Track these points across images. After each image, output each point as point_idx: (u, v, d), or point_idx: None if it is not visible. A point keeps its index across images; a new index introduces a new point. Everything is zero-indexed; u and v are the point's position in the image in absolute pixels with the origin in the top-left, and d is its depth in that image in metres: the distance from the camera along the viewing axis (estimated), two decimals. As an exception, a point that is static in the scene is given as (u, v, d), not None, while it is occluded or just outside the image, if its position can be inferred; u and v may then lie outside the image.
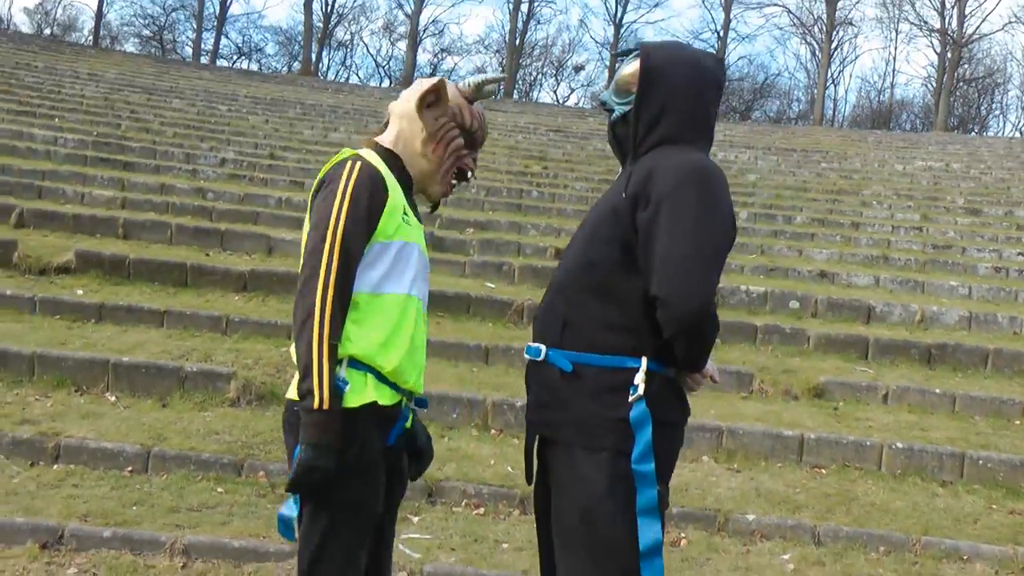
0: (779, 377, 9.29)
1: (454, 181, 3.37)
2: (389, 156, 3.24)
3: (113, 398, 7.48)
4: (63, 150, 16.87)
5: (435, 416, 7.61)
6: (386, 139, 3.29)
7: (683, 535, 6.17)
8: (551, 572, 3.12)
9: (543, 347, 3.03)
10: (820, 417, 8.45)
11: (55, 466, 6.27)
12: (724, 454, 7.54)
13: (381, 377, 3.05)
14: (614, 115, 3.18)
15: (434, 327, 9.83)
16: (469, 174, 3.38)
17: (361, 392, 3.00)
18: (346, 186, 3.01)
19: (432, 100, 3.25)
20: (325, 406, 2.82)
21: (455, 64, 62.69)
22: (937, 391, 9.11)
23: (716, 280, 2.89)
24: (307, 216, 3.12)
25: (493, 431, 7.61)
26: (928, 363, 10.29)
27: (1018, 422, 8.71)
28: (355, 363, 3.02)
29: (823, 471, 7.47)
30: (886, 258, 15.60)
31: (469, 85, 3.34)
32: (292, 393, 3.00)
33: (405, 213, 3.14)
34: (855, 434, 7.89)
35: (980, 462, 7.50)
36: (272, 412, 7.33)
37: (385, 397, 3.06)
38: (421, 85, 3.28)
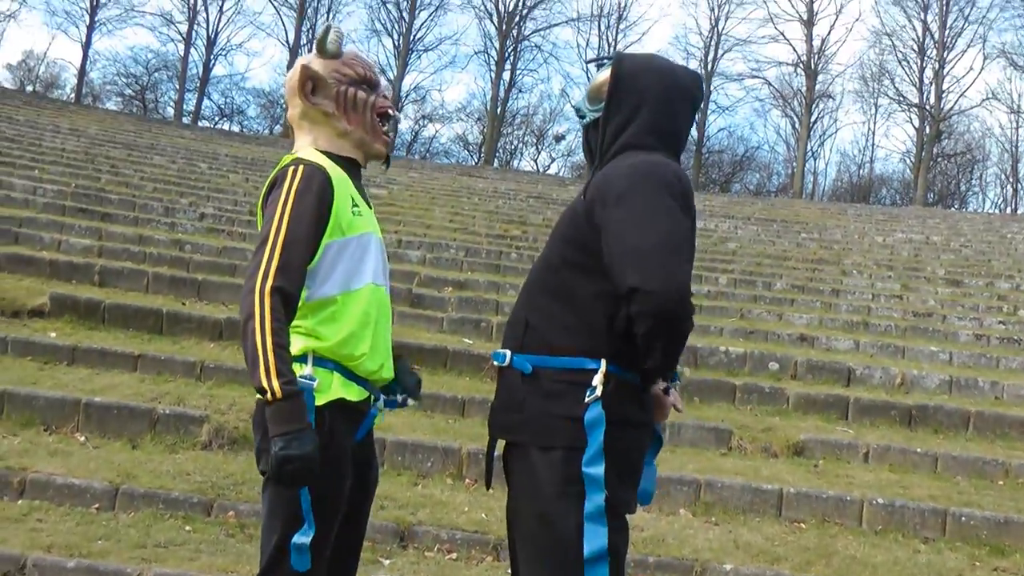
0: (758, 435, 9.25)
1: (384, 128, 3.39)
2: (324, 153, 3.25)
3: (83, 438, 7.37)
4: (42, 199, 16.81)
5: (410, 464, 7.54)
6: (307, 145, 3.31)
7: (660, 584, 6.09)
8: None
9: (508, 352, 3.02)
10: (800, 473, 8.40)
11: (20, 501, 6.16)
12: (702, 507, 7.47)
13: (348, 373, 3.08)
14: (585, 121, 3.20)
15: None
16: (391, 112, 3.41)
17: (327, 390, 3.03)
18: (290, 188, 3.04)
19: (311, 86, 3.29)
20: (279, 396, 2.77)
21: (436, 131, 62.93)
22: (918, 451, 9.07)
23: (689, 270, 2.87)
24: (258, 226, 3.13)
25: (468, 480, 7.53)
26: (909, 424, 10.26)
27: (1001, 482, 8.66)
28: (321, 360, 3.05)
29: (803, 525, 7.39)
30: (866, 324, 15.62)
31: (323, 48, 3.33)
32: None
33: (355, 204, 3.18)
34: (835, 490, 7.83)
35: (963, 519, 7.44)
36: (245, 456, 7.24)
37: (352, 393, 3.09)
38: (291, 82, 3.33)
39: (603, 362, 2.86)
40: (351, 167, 3.30)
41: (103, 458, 6.94)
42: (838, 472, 8.56)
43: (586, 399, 2.83)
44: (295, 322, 3.04)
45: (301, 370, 2.99)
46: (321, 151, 3.25)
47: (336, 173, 3.14)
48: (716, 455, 8.77)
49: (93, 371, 8.84)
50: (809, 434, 9.29)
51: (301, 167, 3.08)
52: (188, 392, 8.43)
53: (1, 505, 6.06)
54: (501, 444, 3.09)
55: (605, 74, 3.14)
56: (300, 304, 3.03)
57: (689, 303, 2.78)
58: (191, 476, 6.73)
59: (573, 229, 3.00)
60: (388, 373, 3.26)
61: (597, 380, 2.84)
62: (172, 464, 6.97)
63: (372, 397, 3.21)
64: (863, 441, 9.23)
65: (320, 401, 3.00)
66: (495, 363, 3.08)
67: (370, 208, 3.33)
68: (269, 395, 2.78)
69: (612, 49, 55.81)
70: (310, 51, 3.44)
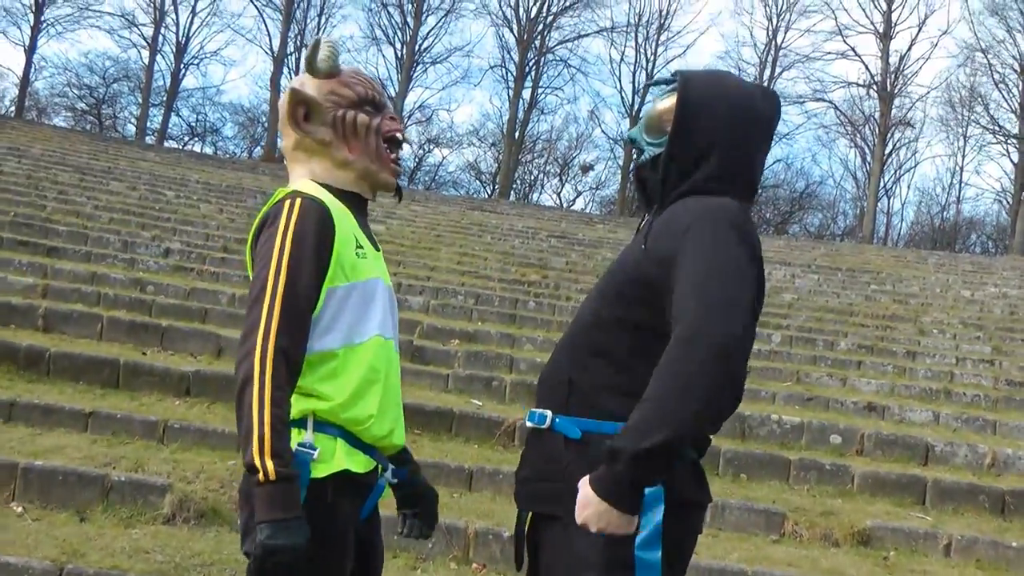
0: (816, 519, 9.25)
1: (393, 155, 3.41)
2: (324, 186, 3.25)
3: (20, 509, 7.42)
4: (-25, 230, 17.00)
5: (407, 545, 7.57)
6: (302, 176, 3.32)
7: None
8: None
9: (548, 413, 3.04)
10: (866, 567, 8.40)
11: (-54, 583, 6.22)
12: (751, 604, 7.48)
13: (353, 440, 3.08)
14: (643, 157, 3.19)
15: (411, 446, 9.78)
16: (400, 136, 3.42)
17: (330, 460, 3.02)
18: (287, 224, 3.03)
19: (303, 112, 3.30)
20: (272, 477, 2.79)
21: (444, 157, 63.24)
22: (1014, 545, 9.02)
23: (754, 322, 2.85)
24: (248, 270, 3.15)
25: (475, 565, 7.56)
26: (1001, 513, 10.22)
27: (1106, 582, 8.65)
28: (323, 425, 3.04)
29: (870, 629, 7.41)
30: (948, 393, 15.62)
31: (314, 66, 3.31)
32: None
33: (359, 245, 3.20)
34: (909, 587, 7.84)
35: (1059, 624, 7.44)
36: (215, 532, 7.28)
37: (358, 464, 3.09)
38: (282, 109, 3.33)
39: None
40: (355, 202, 3.31)
41: (45, 532, 6.97)
42: (913, 567, 8.55)
43: None
44: (305, 377, 3.04)
45: (300, 436, 3.00)
46: (320, 184, 3.25)
47: (337, 208, 3.15)
48: (766, 542, 8.78)
49: (34, 431, 8.90)
50: (878, 520, 9.28)
51: (298, 201, 3.08)
52: (148, 456, 8.48)
53: (-75, 586, 6.12)
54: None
55: (669, 101, 3.13)
56: (308, 361, 3.04)
57: (746, 353, 2.75)
58: (150, 555, 6.77)
59: (630, 285, 3.00)
60: (399, 439, 3.27)
61: None
62: (128, 540, 7.00)
63: (380, 467, 3.22)
64: (944, 531, 9.21)
65: (322, 473, 2.99)
66: (530, 424, 3.10)
67: (377, 250, 3.35)
68: (261, 475, 2.78)
69: (651, 65, 56.05)
70: (301, 69, 3.44)
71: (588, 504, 2.73)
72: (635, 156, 3.24)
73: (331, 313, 3.08)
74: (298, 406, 3.02)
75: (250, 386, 2.85)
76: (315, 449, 2.98)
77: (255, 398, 2.83)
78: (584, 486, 2.76)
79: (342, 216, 3.16)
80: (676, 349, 2.69)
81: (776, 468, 10.61)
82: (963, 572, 8.57)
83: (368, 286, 3.18)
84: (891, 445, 11.89)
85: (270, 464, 2.78)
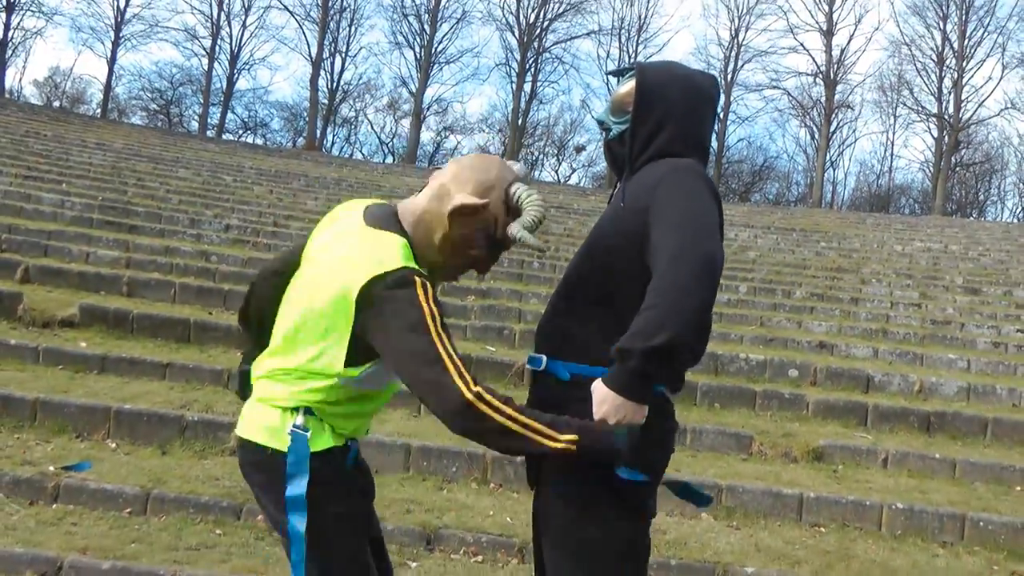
0: (778, 440, 9.27)
1: (457, 277, 3.19)
2: (406, 234, 2.98)
3: (113, 444, 7.47)
4: (70, 212, 16.99)
5: (435, 469, 7.61)
6: (409, 212, 3.04)
7: (682, 586, 6.13)
8: None
9: (543, 358, 3.04)
10: (819, 478, 8.43)
11: (54, 505, 6.26)
12: (723, 511, 7.50)
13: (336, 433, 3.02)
14: (611, 134, 3.20)
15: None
16: (477, 274, 3.17)
17: (319, 437, 2.93)
18: (424, 301, 2.74)
19: (470, 211, 2.96)
20: (577, 439, 2.69)
21: (458, 142, 63.03)
22: (937, 456, 9.08)
23: (719, 248, 2.80)
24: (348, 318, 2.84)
25: (492, 484, 7.59)
26: (927, 431, 10.27)
27: (1019, 488, 8.67)
28: (318, 419, 2.95)
29: (822, 529, 7.43)
30: (885, 332, 15.64)
31: (521, 237, 2.97)
32: (253, 435, 2.97)
33: None
34: (855, 495, 7.85)
35: (981, 524, 7.45)
36: (272, 461, 7.30)
37: (339, 441, 3.00)
38: (465, 189, 2.98)
39: None
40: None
41: (134, 464, 7.03)
42: (857, 477, 8.59)
43: None
44: (308, 381, 2.92)
45: (293, 418, 2.90)
46: (404, 230, 2.98)
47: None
48: (737, 460, 8.81)
49: (123, 379, 8.95)
50: (829, 440, 9.32)
51: (418, 280, 2.77)
52: (216, 399, 8.52)
53: (36, 509, 6.16)
54: None
55: (628, 86, 3.16)
56: (328, 373, 2.90)
57: (720, 271, 2.75)
58: (220, 481, 6.81)
59: (615, 239, 3.00)
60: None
61: None
62: (201, 470, 7.05)
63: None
64: (882, 447, 9.25)
65: (319, 447, 2.91)
66: (530, 367, 3.10)
67: None
68: (572, 447, 2.69)
69: (632, 61, 55.83)
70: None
71: (604, 400, 2.71)
72: (603, 134, 3.24)
73: (381, 371, 2.92)
74: (299, 398, 2.92)
75: (495, 434, 2.68)
76: (308, 430, 2.89)
77: (510, 433, 2.68)
78: (599, 385, 2.73)
79: None
80: (668, 266, 2.68)
81: (744, 398, 10.62)
82: (897, 480, 8.61)
83: None
84: (839, 377, 11.90)
85: (563, 440, 2.70)
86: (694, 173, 2.94)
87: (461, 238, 2.99)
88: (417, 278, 2.75)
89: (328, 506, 2.91)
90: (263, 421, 2.94)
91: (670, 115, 3.06)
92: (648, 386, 2.71)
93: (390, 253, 2.83)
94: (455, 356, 2.69)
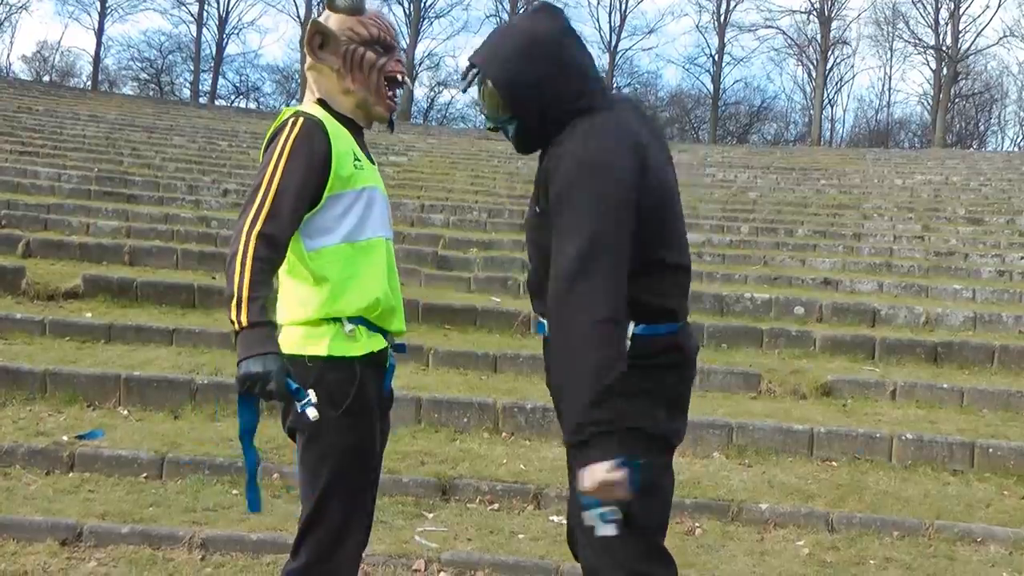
0: (787, 377, 9.33)
1: (390, 92, 3.37)
2: (327, 107, 3.29)
3: (125, 412, 7.51)
4: (67, 185, 17.02)
5: (446, 421, 7.65)
6: (311, 98, 3.34)
7: (697, 524, 6.18)
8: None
9: (545, 322, 3.01)
10: (829, 413, 8.49)
11: (70, 474, 6.30)
12: (735, 450, 7.55)
13: (371, 325, 3.18)
14: (513, 131, 3.09)
15: (442, 339, 9.90)
16: (400, 77, 3.37)
17: (359, 341, 3.14)
18: (286, 140, 3.07)
19: (319, 41, 3.27)
20: (245, 324, 2.86)
21: (452, 97, 62.73)
22: (945, 386, 9.13)
23: (623, 274, 2.78)
24: None
25: (504, 433, 7.64)
26: (935, 361, 10.32)
27: (1027, 413, 8.73)
28: (352, 319, 3.14)
29: (834, 463, 7.48)
30: (889, 265, 15.68)
31: (335, 5, 3.30)
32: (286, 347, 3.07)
33: (356, 159, 3.22)
34: (864, 427, 7.90)
35: (990, 451, 7.50)
36: (284, 420, 7.35)
37: (377, 343, 3.20)
38: (305, 37, 3.31)
39: (631, 325, 2.88)
40: (352, 125, 3.31)
41: (147, 430, 7.08)
42: (866, 410, 8.64)
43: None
44: (311, 283, 3.15)
45: (339, 326, 3.13)
46: (322, 105, 3.29)
47: (333, 127, 3.17)
48: (746, 399, 8.87)
49: (130, 347, 8.99)
50: (837, 375, 9.36)
51: (300, 120, 3.11)
52: (225, 362, 8.54)
53: (54, 478, 6.21)
54: None
55: (487, 89, 3.02)
56: (310, 256, 3.14)
57: (605, 331, 2.72)
58: (234, 442, 6.82)
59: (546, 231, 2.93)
60: (401, 325, 3.34)
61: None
62: (214, 432, 7.10)
63: (387, 346, 3.30)
64: (890, 379, 9.30)
65: (355, 352, 3.12)
66: (540, 335, 3.09)
67: (373, 164, 3.36)
68: (237, 325, 2.87)
69: (624, 5, 55.52)
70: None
71: (586, 478, 2.71)
72: (506, 135, 3.14)
73: (332, 216, 3.14)
74: (324, 307, 3.13)
75: (235, 259, 2.91)
76: (353, 334, 3.13)
77: (238, 268, 2.89)
78: (580, 473, 2.73)
79: (339, 134, 3.18)
80: (556, 324, 2.80)
81: (751, 337, 10.67)
82: (906, 411, 8.66)
83: (365, 193, 3.22)
84: (844, 312, 11.96)
85: (244, 316, 2.85)
86: (590, 167, 2.82)
87: (343, 59, 3.26)
88: (292, 119, 3.12)
89: (336, 435, 3.11)
90: None
91: (543, 89, 2.95)
92: (605, 440, 2.69)
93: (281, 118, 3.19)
94: (275, 192, 2.99)
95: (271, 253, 2.96)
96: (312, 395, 2.95)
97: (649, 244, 2.88)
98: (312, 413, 2.94)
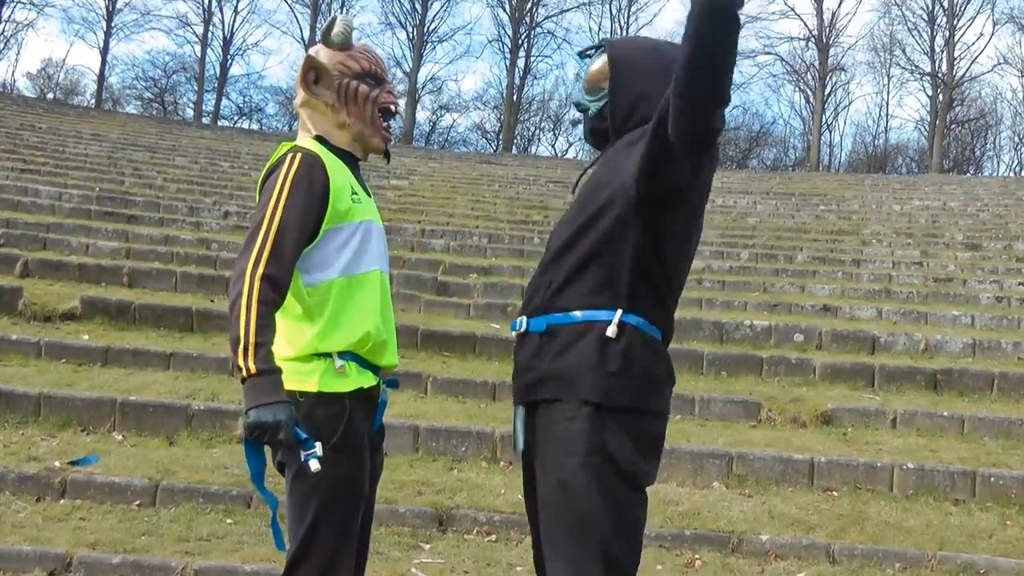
0: (787, 406, 9.23)
1: (385, 123, 3.38)
2: (323, 142, 3.29)
3: (120, 437, 7.42)
4: (68, 205, 16.91)
5: (444, 449, 7.55)
6: (306, 133, 3.34)
7: (697, 556, 6.09)
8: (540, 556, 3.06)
9: (523, 318, 3.01)
10: (829, 442, 8.38)
11: (62, 501, 6.20)
12: (735, 480, 7.45)
13: (363, 362, 3.17)
14: (591, 112, 3.16)
15: (441, 366, 9.80)
16: (393, 107, 3.39)
17: (348, 376, 3.12)
18: (286, 175, 3.07)
19: (314, 77, 3.29)
20: (253, 372, 2.84)
21: (454, 120, 62.84)
22: (945, 414, 9.05)
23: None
24: None
25: (502, 463, 7.53)
26: (935, 389, 10.22)
27: (1028, 442, 8.62)
28: (342, 354, 3.13)
29: (835, 493, 7.38)
30: (888, 292, 15.58)
31: (328, 39, 3.32)
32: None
33: (354, 192, 3.22)
34: (865, 457, 7.81)
35: (992, 480, 7.41)
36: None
37: (368, 380, 3.18)
38: (297, 72, 3.35)
39: (619, 312, 2.84)
40: (349, 159, 3.32)
41: (141, 456, 6.97)
42: (867, 439, 8.53)
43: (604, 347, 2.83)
44: (305, 319, 3.13)
45: (329, 362, 3.11)
46: (319, 141, 3.28)
47: (331, 161, 3.17)
48: (746, 427, 8.76)
49: (127, 371, 8.89)
50: (837, 403, 9.27)
51: (299, 156, 3.12)
52: (221, 387, 8.46)
53: (44, 505, 6.10)
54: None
55: (598, 63, 3.13)
56: (308, 292, 3.12)
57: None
58: (229, 470, 6.75)
59: (620, 193, 2.91)
60: (393, 359, 3.32)
61: (611, 331, 2.82)
62: (209, 459, 6.99)
63: (379, 382, 3.28)
64: (890, 407, 9.20)
65: (345, 388, 3.09)
66: (513, 331, 3.07)
67: (369, 197, 3.36)
68: (245, 372, 2.85)
69: (624, 32, 55.62)
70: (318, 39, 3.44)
71: None
72: (582, 114, 3.21)
73: (330, 249, 3.14)
74: (316, 342, 3.11)
75: (239, 301, 2.91)
76: (343, 363, 3.11)
77: (243, 312, 2.89)
78: None
79: (337, 168, 3.19)
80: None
81: (751, 365, 10.57)
82: (907, 440, 8.57)
83: (363, 226, 3.21)
84: (844, 339, 11.86)
85: (252, 363, 2.83)
86: None
87: (337, 94, 3.27)
88: (290, 155, 3.13)
89: (327, 469, 3.00)
90: None
91: (646, 84, 3.02)
92: None
93: (278, 153, 3.20)
94: (276, 230, 2.99)
95: (276, 296, 2.98)
96: (319, 448, 2.93)
97: (682, 250, 2.98)
98: (315, 466, 2.91)
